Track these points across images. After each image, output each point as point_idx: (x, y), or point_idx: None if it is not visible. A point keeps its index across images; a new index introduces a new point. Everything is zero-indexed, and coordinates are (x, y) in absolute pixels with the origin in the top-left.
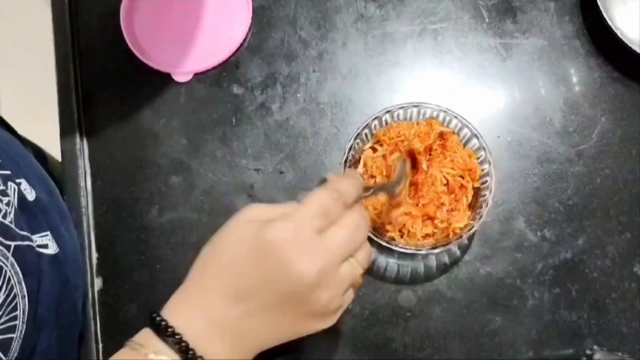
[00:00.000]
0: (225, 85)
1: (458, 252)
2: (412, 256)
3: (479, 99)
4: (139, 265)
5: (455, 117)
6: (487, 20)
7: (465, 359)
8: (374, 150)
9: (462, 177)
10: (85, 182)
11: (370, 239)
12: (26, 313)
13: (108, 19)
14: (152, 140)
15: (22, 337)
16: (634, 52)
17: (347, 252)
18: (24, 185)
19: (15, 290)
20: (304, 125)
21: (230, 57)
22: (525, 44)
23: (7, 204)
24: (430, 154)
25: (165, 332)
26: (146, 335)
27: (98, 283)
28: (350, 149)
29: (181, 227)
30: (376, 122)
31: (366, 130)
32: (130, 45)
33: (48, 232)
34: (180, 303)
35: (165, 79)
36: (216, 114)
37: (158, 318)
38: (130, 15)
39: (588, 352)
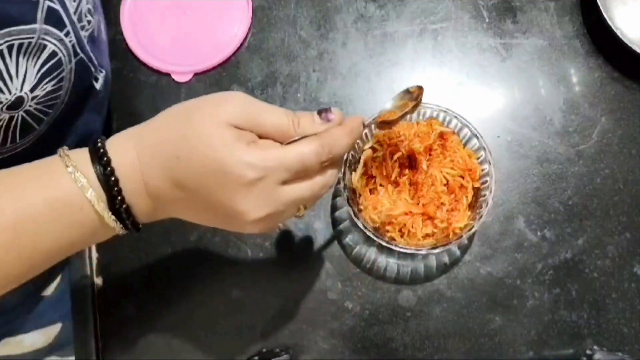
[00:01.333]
0: (225, 85)
1: (458, 252)
2: (412, 256)
3: (479, 98)
4: (139, 265)
5: (455, 117)
6: (487, 20)
7: (465, 359)
8: (374, 150)
9: (462, 177)
10: None
11: (370, 239)
12: (66, 97)
13: (108, 19)
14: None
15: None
16: (634, 52)
17: (300, 205)
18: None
19: (62, 90)
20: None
21: (230, 57)
22: (525, 44)
23: (89, 23)
24: (430, 154)
25: (100, 156)
26: (80, 152)
27: (98, 283)
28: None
29: (181, 227)
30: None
31: (366, 131)
32: (130, 45)
33: (104, 71)
34: (124, 142)
35: (165, 79)
36: None
37: (100, 144)
38: (131, 15)
39: (588, 352)
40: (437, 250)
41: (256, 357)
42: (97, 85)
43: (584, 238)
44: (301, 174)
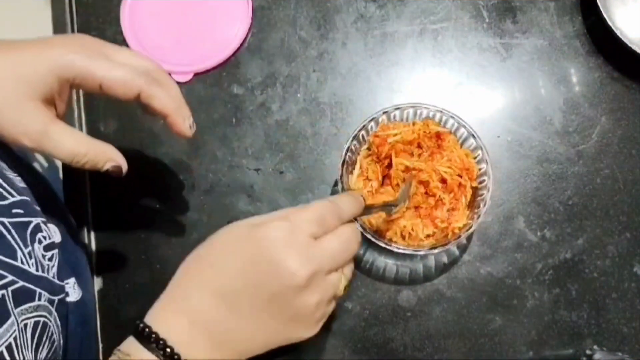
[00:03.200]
0: (225, 85)
1: (457, 252)
2: (411, 257)
3: (479, 98)
4: (139, 265)
5: (452, 117)
6: (487, 20)
7: (465, 359)
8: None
9: (460, 177)
10: (85, 182)
11: (369, 240)
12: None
13: (108, 19)
14: (152, 140)
15: None
16: (634, 52)
17: (337, 262)
18: (53, 228)
19: (55, 344)
20: (304, 125)
21: (230, 57)
22: (525, 44)
23: (51, 259)
24: (420, 148)
25: (149, 338)
26: (131, 343)
27: (98, 283)
28: (347, 151)
29: (181, 227)
30: (373, 123)
31: (363, 132)
32: (130, 45)
33: (73, 277)
34: (163, 308)
35: None
36: (216, 114)
37: (141, 325)
38: (131, 15)
39: (588, 352)
40: (436, 251)
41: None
42: (70, 297)
43: (584, 238)
44: (323, 224)
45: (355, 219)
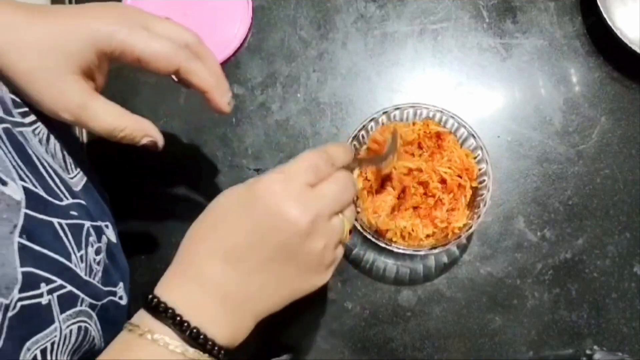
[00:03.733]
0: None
1: (457, 252)
2: (411, 257)
3: (479, 99)
4: (139, 265)
5: (452, 117)
6: (487, 20)
7: (465, 359)
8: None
9: (460, 177)
10: None
11: (369, 240)
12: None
13: None
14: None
15: None
16: (634, 52)
17: (337, 206)
18: (110, 231)
19: (95, 347)
20: (304, 125)
21: (230, 57)
22: (525, 44)
23: (99, 263)
24: (420, 148)
25: (157, 309)
26: (142, 316)
27: None
28: None
29: (181, 227)
30: (372, 123)
31: (363, 132)
32: None
33: (121, 282)
34: (171, 277)
35: (165, 78)
36: (216, 114)
37: (150, 297)
38: None
39: (588, 352)
40: (436, 251)
41: (256, 359)
42: (122, 301)
43: (584, 238)
44: (317, 172)
45: (355, 219)
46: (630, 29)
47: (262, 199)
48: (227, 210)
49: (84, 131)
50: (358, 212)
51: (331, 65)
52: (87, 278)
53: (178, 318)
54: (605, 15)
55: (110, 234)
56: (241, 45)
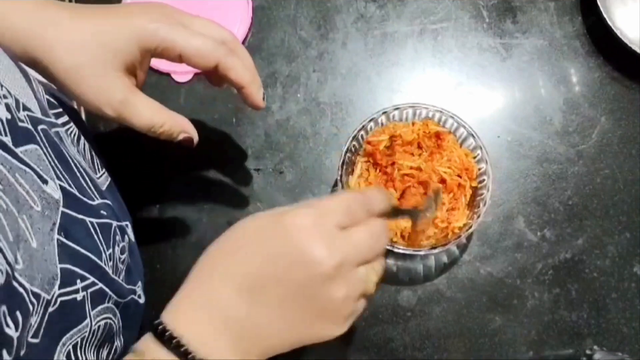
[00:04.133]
0: (225, 85)
1: (457, 252)
2: (411, 257)
3: (479, 99)
4: None
5: (451, 117)
6: (487, 20)
7: (465, 358)
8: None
9: (460, 177)
10: None
11: None
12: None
13: None
14: (152, 140)
15: None
16: (634, 52)
17: (366, 255)
18: (129, 230)
19: (116, 343)
20: (304, 125)
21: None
22: (525, 44)
23: (123, 262)
24: (420, 148)
25: (163, 337)
26: (148, 341)
27: None
28: (346, 152)
29: (181, 227)
30: (372, 123)
31: (362, 132)
32: None
33: (140, 281)
34: (181, 304)
35: (165, 79)
36: (216, 114)
37: (156, 322)
38: None
39: (588, 352)
40: (436, 251)
41: None
42: (141, 300)
43: (584, 238)
44: (351, 216)
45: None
46: (630, 29)
47: (288, 231)
48: (250, 237)
49: None
50: None
51: (331, 65)
52: (113, 276)
53: (183, 349)
54: (605, 15)
55: (130, 233)
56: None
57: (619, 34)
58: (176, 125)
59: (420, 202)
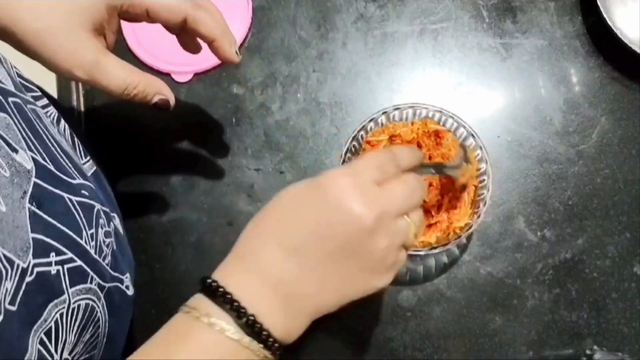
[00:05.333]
0: (225, 85)
1: (457, 252)
2: (411, 257)
3: (479, 99)
4: (139, 265)
5: (451, 116)
6: (487, 20)
7: (465, 359)
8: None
9: None
10: None
11: None
12: (101, 351)
13: None
14: (152, 139)
15: None
16: (634, 52)
17: (404, 207)
18: (117, 222)
19: (99, 330)
20: (304, 125)
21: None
22: (525, 44)
23: (108, 245)
24: (420, 147)
25: (216, 293)
26: (199, 299)
27: None
28: (346, 152)
29: (181, 227)
30: (372, 123)
31: (362, 132)
32: (130, 45)
33: (128, 273)
34: (231, 265)
35: (165, 79)
36: (216, 114)
37: (209, 280)
38: None
39: (588, 352)
40: (436, 251)
41: None
42: (129, 292)
43: (584, 238)
44: (384, 171)
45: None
46: (630, 29)
47: (328, 193)
48: (292, 203)
49: (82, 130)
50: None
51: (331, 65)
52: (96, 257)
53: (236, 304)
54: (605, 15)
55: (118, 224)
56: (241, 45)
57: (619, 34)
58: (151, 86)
59: (448, 156)
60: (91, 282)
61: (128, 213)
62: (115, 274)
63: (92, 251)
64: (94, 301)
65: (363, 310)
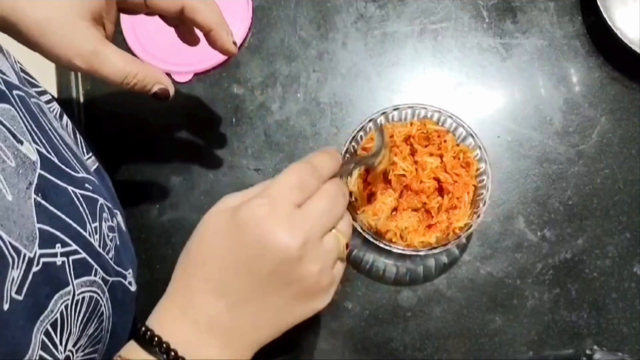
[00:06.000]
0: (225, 85)
1: (457, 252)
2: (411, 257)
3: (479, 99)
4: (139, 265)
5: (450, 116)
6: (487, 20)
7: (465, 359)
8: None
9: (458, 175)
10: None
11: (369, 241)
12: (105, 345)
13: None
14: (152, 140)
15: None
16: (634, 52)
17: (328, 223)
18: (120, 218)
19: (103, 324)
20: (304, 125)
21: (230, 57)
22: (525, 44)
23: (112, 240)
24: (411, 145)
25: (151, 342)
26: (132, 348)
27: None
28: (345, 152)
29: (181, 227)
30: (371, 124)
31: (361, 133)
32: (130, 45)
33: (130, 270)
34: (164, 310)
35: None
36: (216, 114)
37: (143, 329)
38: (131, 15)
39: (588, 352)
40: (436, 251)
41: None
42: (132, 288)
43: (584, 238)
44: (304, 188)
45: (354, 219)
46: (630, 29)
47: (246, 228)
48: (215, 242)
49: (82, 130)
50: (358, 213)
51: (331, 65)
52: (100, 250)
53: (172, 353)
54: (605, 15)
55: (121, 221)
56: (241, 45)
57: (619, 34)
58: (150, 75)
59: (369, 149)
60: (95, 275)
61: (128, 213)
62: (119, 269)
63: (96, 244)
64: (98, 294)
65: (363, 310)
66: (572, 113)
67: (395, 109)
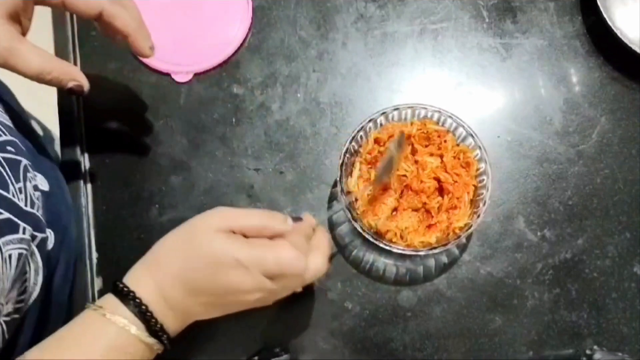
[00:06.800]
0: (225, 85)
1: (457, 252)
2: (411, 257)
3: (479, 99)
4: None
5: (450, 116)
6: (487, 20)
7: (465, 359)
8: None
9: (458, 175)
10: (85, 182)
11: (368, 242)
12: (30, 301)
13: None
14: (152, 140)
15: (18, 322)
16: (634, 52)
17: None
18: (41, 177)
19: (35, 277)
20: (304, 125)
21: (230, 57)
22: (525, 44)
23: (38, 198)
24: (411, 145)
25: (126, 295)
26: (107, 299)
27: (98, 283)
28: (345, 153)
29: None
30: (371, 124)
31: (361, 133)
32: None
33: (50, 229)
34: (140, 275)
35: (165, 79)
36: (216, 114)
37: (120, 285)
38: None
39: (588, 352)
40: (436, 251)
41: (256, 357)
42: (48, 244)
43: (584, 238)
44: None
45: (354, 219)
46: (630, 29)
47: (227, 286)
48: (197, 257)
49: (82, 129)
50: (358, 214)
51: (331, 65)
52: (27, 209)
53: (144, 307)
54: (605, 15)
55: (41, 181)
56: (241, 45)
57: (619, 34)
58: (64, 73)
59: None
60: (24, 233)
61: (128, 213)
62: (53, 224)
63: (21, 204)
64: (26, 250)
65: (363, 310)
66: (572, 113)
67: (395, 109)
